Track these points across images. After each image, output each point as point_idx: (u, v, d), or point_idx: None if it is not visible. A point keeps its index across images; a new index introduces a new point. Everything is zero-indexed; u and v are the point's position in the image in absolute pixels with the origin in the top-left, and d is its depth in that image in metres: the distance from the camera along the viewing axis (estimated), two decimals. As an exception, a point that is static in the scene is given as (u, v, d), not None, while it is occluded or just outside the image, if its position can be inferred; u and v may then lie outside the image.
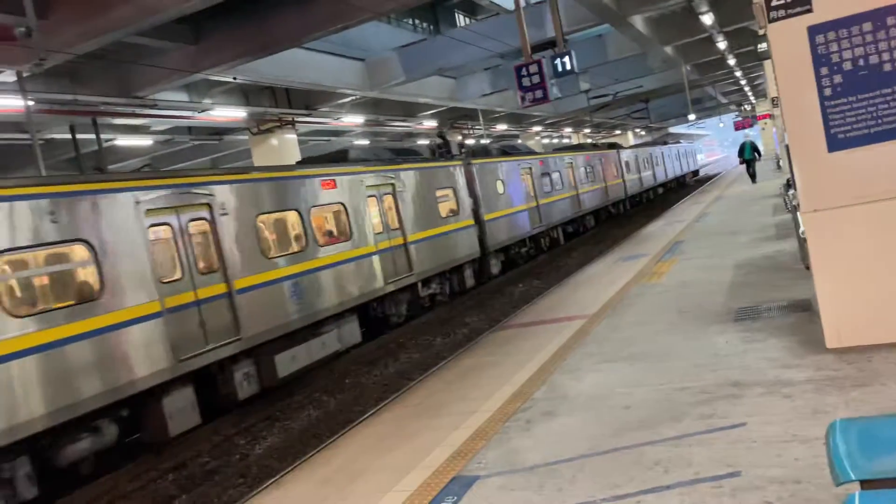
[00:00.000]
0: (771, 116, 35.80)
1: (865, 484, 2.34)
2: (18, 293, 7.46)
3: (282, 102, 21.30)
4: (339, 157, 14.01)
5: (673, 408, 5.02)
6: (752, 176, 28.13)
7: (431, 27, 26.79)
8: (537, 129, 45.23)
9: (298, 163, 14.98)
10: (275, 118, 21.67)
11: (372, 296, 12.78)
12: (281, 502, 4.97)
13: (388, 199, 14.01)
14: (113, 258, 8.16)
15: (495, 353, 8.15)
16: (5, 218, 7.19)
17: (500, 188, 19.14)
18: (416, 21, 26.04)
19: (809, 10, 5.26)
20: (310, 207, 11.61)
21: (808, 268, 8.69)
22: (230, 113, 19.73)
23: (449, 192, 16.36)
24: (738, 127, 46.14)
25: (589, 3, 16.30)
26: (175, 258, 9.11)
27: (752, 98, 52.85)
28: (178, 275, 9.08)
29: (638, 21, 20.33)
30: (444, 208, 15.98)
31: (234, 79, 16.24)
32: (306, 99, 22.17)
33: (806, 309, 6.90)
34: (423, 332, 14.07)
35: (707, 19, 20.31)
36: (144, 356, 8.29)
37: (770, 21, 5.37)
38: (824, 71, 5.28)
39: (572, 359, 6.93)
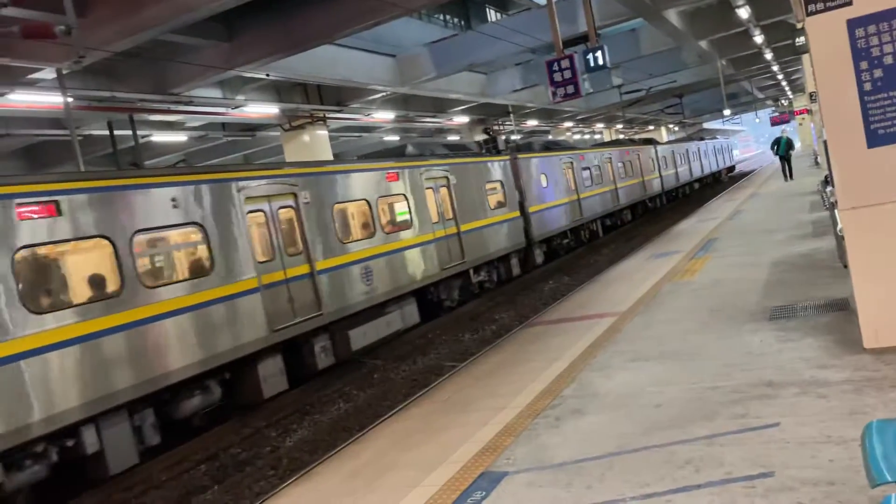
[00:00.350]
0: (808, 111, 35.05)
1: (902, 486, 2.29)
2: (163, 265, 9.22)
3: (313, 99, 21.46)
4: (399, 153, 14.91)
5: (705, 407, 4.96)
6: (788, 173, 27.24)
7: (462, 23, 26.73)
8: (568, 124, 44.89)
9: (360, 157, 16.08)
10: (306, 114, 21.84)
11: (429, 280, 13.75)
12: (310, 494, 5.03)
13: (444, 191, 14.91)
14: (222, 239, 9.45)
15: (524, 350, 8.12)
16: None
17: (543, 182, 19.92)
18: (447, 16, 26.02)
19: (849, 4, 5.14)
20: (377, 198, 12.67)
21: (846, 266, 8.53)
22: (263, 109, 19.94)
23: (497, 185, 17.16)
24: (775, 122, 45.31)
25: (622, -4, 16.12)
26: (267, 240, 10.27)
27: (789, 93, 51.81)
28: (270, 256, 10.24)
29: (672, 15, 20.05)
30: (492, 200, 16.77)
31: (267, 75, 16.41)
32: (337, 95, 22.29)
33: (843, 308, 6.76)
34: (452, 328, 14.09)
35: (743, 13, 19.94)
36: (249, 325, 9.53)
37: (808, 14, 5.26)
38: (864, 65, 5.16)
39: (602, 356, 6.88)
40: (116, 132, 18.00)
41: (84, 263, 8.16)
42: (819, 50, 5.32)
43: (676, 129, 65.74)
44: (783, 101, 57.63)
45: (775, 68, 35.59)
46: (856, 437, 4.01)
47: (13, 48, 11.52)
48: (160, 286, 8.43)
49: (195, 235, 9.20)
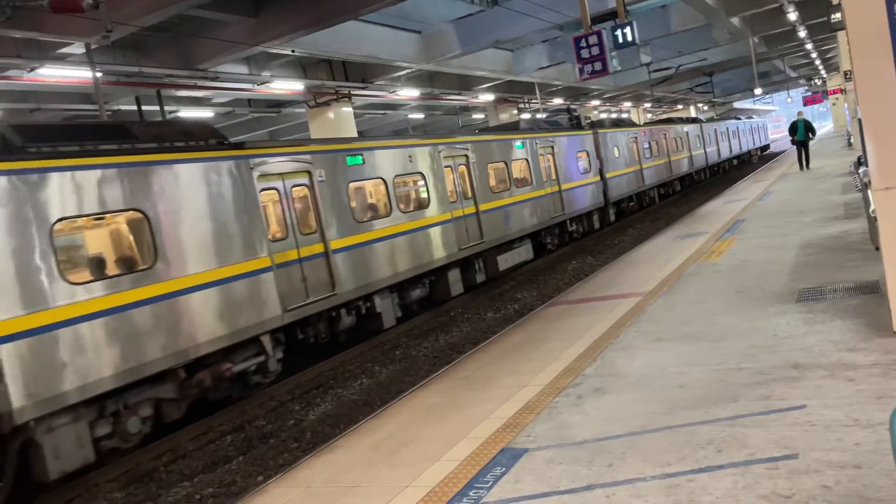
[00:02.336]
0: (842, 91, 34.19)
1: (932, 470, 2.24)
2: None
3: (338, 75, 21.42)
4: (514, 126, 19.09)
5: (728, 388, 4.91)
6: (806, 160, 24.11)
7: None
8: (595, 103, 44.35)
9: (491, 129, 21.01)
10: (331, 91, 21.82)
11: (541, 226, 17.65)
12: (331, 467, 5.08)
13: (549, 157, 18.68)
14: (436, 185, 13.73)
15: (546, 329, 8.10)
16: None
17: (616, 153, 23.28)
18: (474, -8, 25.69)
19: (889, -24, 4.97)
20: (518, 159, 16.96)
21: (877, 248, 8.35)
22: (288, 86, 19.96)
23: (584, 154, 20.94)
24: (808, 102, 44.40)
25: (653, -28, 15.78)
26: (457, 186, 14.60)
27: (823, 72, 50.57)
28: (455, 199, 14.40)
29: (704, -9, 19.62)
30: (581, 166, 20.58)
31: (293, 51, 16.40)
32: (362, 72, 22.22)
33: (874, 291, 6.64)
34: (474, 307, 14.11)
35: (777, -12, 19.45)
36: (448, 245, 13.70)
37: (846, -12, 5.10)
38: (903, 41, 5.00)
39: (625, 336, 6.84)
40: (144, 108, 18.17)
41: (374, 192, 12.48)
42: (855, 26, 5.16)
43: (705, 108, 64.64)
44: (816, 81, 56.31)
45: (809, 46, 34.72)
46: (883, 421, 3.95)
47: (42, 22, 11.63)
48: (413, 210, 12.91)
49: (422, 182, 13.32)
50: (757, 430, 4.16)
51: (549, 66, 26.25)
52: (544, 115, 30.07)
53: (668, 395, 5.02)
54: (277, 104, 25.56)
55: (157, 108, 17.57)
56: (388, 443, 5.24)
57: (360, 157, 11.69)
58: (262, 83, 19.16)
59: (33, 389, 6.72)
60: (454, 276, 13.88)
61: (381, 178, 12.19)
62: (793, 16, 23.78)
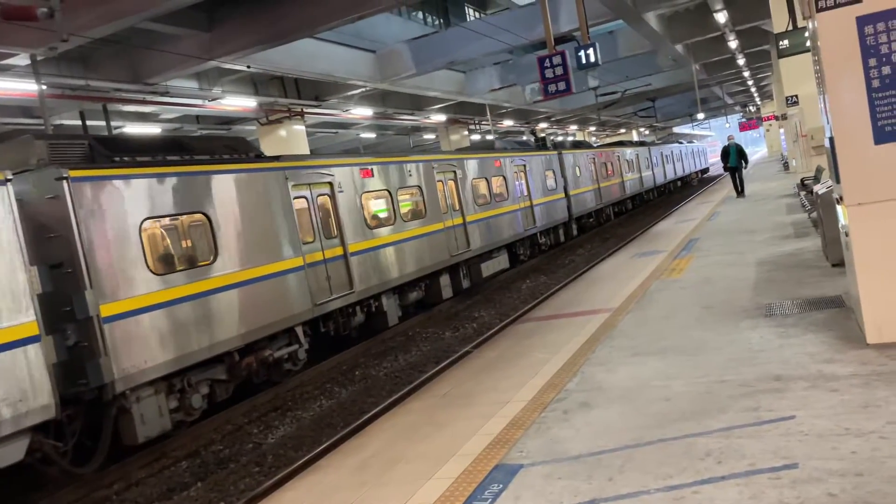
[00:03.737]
0: (776, 118, 35.67)
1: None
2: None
3: (291, 93, 21.19)
4: (489, 146, 20.36)
5: (715, 400, 4.95)
6: (739, 187, 22.60)
7: (441, 21, 26.67)
8: (543, 125, 45.12)
9: (472, 147, 22.49)
10: (284, 108, 21.55)
11: (517, 238, 19.11)
12: (318, 487, 4.89)
13: (522, 175, 20.26)
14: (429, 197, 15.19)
15: (520, 345, 8.07)
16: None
17: (578, 172, 25.24)
18: (427, 15, 25.92)
19: (859, 1, 5.18)
20: (495, 176, 18.45)
21: (834, 265, 8.65)
22: (241, 102, 19.62)
23: (551, 173, 22.75)
24: (744, 128, 46.13)
25: (606, -2, 16.19)
26: (448, 197, 16.25)
27: (757, 99, 52.77)
28: (451, 208, 16.06)
29: (651, 18, 20.25)
30: (549, 184, 22.34)
31: (248, 67, 16.14)
32: (315, 90, 22.05)
33: (838, 305, 6.83)
34: (431, 326, 14.04)
35: (721, 17, 20.24)
36: (441, 252, 15.07)
37: (818, 10, 5.29)
38: (872, 62, 5.21)
39: (601, 351, 6.86)
40: (89, 122, 17.55)
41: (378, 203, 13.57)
42: (828, 46, 5.35)
43: (647, 132, 66.54)
44: (751, 108, 58.68)
45: (746, 74, 36.23)
46: (874, 430, 4.04)
47: (-13, 31, 11.13)
48: (412, 219, 14.31)
49: (419, 194, 14.72)
50: (752, 441, 4.19)
51: (500, 88, 26.60)
52: (496, 136, 30.79)
53: (656, 408, 5.03)
54: (228, 121, 25.09)
55: (102, 123, 17.00)
56: (374, 462, 5.08)
57: (371, 171, 13.11)
58: (213, 99, 18.78)
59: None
60: (445, 280, 15.24)
61: (388, 190, 13.60)
62: (733, 44, 24.77)
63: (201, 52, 15.01)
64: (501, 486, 4.23)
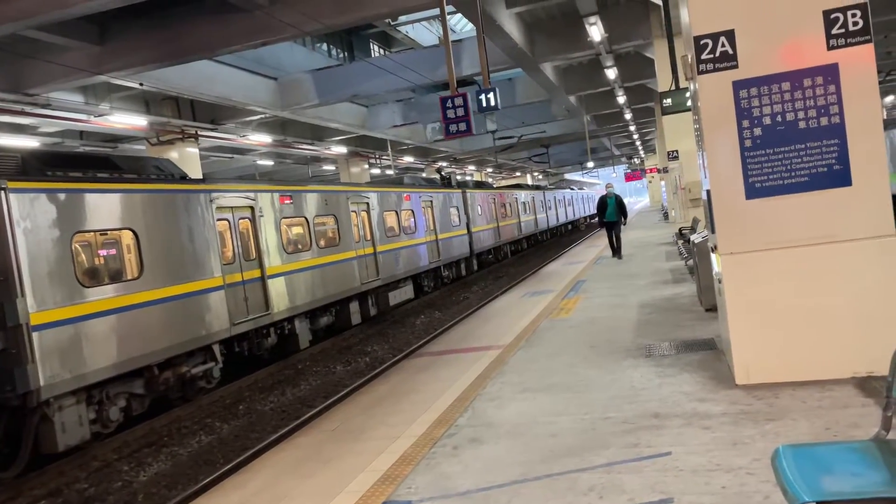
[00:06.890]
0: (659, 170, 38.00)
1: (819, 506, 2.46)
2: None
3: (186, 114, 20.54)
4: (399, 181, 20.96)
5: (599, 437, 5.11)
6: (617, 246, 18.30)
7: (345, 55, 26.76)
8: (442, 164, 45.87)
9: (382, 181, 22.20)
10: (177, 130, 20.81)
11: (422, 269, 20.19)
12: (195, 528, 4.63)
13: (430, 210, 21.51)
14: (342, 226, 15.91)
15: (412, 380, 8.05)
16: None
17: (479, 210, 26.70)
18: (332, 48, 25.95)
19: (735, 67, 5.65)
20: (405, 210, 19.41)
21: (707, 310, 9.22)
22: (130, 120, 18.77)
23: (455, 210, 24.06)
24: (629, 178, 48.70)
25: (506, 46, 16.86)
26: (361, 228, 16.98)
27: (641, 152, 56.02)
28: (365, 237, 17.10)
29: (548, 69, 21.20)
30: (454, 220, 23.67)
31: (141, 84, 15.52)
32: (212, 113, 21.48)
33: (711, 347, 7.27)
34: (322, 360, 13.79)
35: (611, 73, 21.48)
36: (351, 280, 15.84)
37: (700, 73, 5.72)
38: (745, 123, 5.67)
39: (492, 387, 6.95)
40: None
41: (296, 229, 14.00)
42: (707, 106, 5.79)
43: (540, 177, 68.99)
44: (636, 160, 62.17)
45: (632, 128, 38.45)
46: (742, 465, 4.29)
47: None
48: (327, 246, 14.87)
49: (334, 223, 15.30)
50: (632, 476, 4.35)
51: (402, 125, 26.91)
52: (396, 172, 31.50)
53: (543, 444, 5.13)
54: (114, 139, 23.91)
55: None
56: (257, 500, 4.88)
57: (291, 198, 13.53)
58: (99, 115, 17.89)
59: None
60: (354, 307, 15.89)
61: (305, 217, 14.08)
62: (621, 99, 26.31)
63: (90, 65, 14.32)
64: (389, 522, 4.16)
